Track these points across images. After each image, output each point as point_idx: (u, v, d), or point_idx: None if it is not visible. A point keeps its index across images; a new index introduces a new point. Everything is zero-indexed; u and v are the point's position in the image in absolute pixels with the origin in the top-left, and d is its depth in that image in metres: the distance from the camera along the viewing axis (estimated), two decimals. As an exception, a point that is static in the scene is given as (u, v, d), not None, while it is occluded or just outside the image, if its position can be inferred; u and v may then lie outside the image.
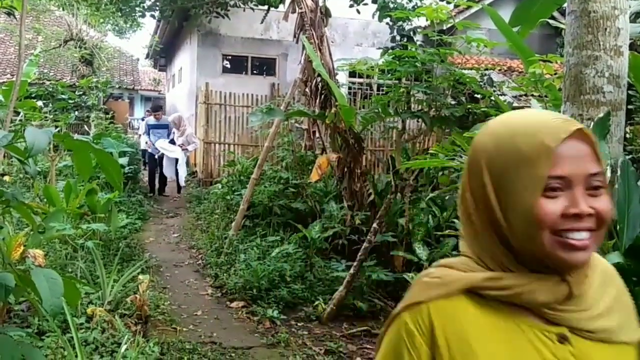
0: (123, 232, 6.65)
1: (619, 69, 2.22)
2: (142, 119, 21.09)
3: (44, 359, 1.97)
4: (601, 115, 2.20)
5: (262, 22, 11.69)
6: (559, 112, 2.47)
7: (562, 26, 3.27)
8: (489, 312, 0.86)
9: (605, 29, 2.20)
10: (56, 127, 9.53)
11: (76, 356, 2.99)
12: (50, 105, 11.30)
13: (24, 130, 1.81)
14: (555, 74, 3.83)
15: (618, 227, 2.06)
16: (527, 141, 0.84)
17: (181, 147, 10.37)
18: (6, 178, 7.64)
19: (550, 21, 3.41)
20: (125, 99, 23.44)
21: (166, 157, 10.34)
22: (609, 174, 2.12)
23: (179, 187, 10.91)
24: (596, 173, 0.83)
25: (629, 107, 2.46)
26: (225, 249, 6.19)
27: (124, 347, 3.28)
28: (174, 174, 10.54)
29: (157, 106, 11.23)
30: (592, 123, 2.20)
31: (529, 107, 3.39)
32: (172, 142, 10.45)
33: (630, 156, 3.32)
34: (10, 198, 1.88)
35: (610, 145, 2.20)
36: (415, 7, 10.57)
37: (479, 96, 6.52)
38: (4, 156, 6.05)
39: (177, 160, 10.35)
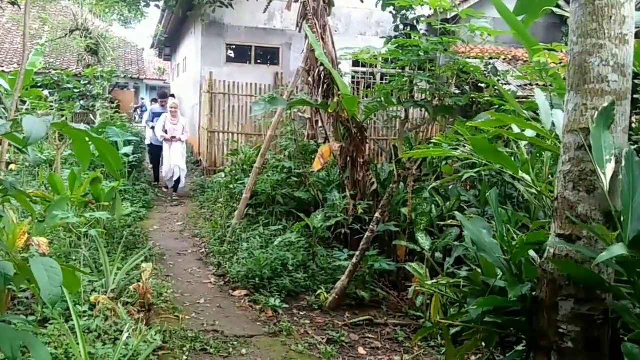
0: (127, 220, 6.68)
1: (624, 58, 2.18)
2: (141, 108, 20.93)
3: (44, 347, 1.98)
4: (605, 104, 2.16)
5: (265, 12, 11.61)
6: (563, 101, 2.43)
7: (567, 15, 3.22)
8: None
9: (611, 16, 2.16)
10: (62, 116, 9.55)
11: (78, 344, 3.01)
12: (56, 94, 11.34)
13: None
14: (560, 63, 3.78)
15: (622, 218, 2.03)
16: None
17: (173, 138, 9.77)
18: (12, 167, 7.68)
19: (555, 10, 3.35)
20: (130, 88, 23.46)
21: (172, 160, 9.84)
22: (613, 164, 2.09)
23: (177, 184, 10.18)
24: None
25: (634, 96, 2.42)
26: (228, 238, 6.21)
27: (126, 335, 3.31)
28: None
29: (163, 93, 11.14)
30: (597, 112, 2.16)
31: (533, 96, 3.34)
32: (153, 128, 10.06)
33: (635, 146, 3.28)
34: (9, 187, 1.88)
35: (615, 135, 2.16)
36: (420, -5, 10.45)
37: (483, 85, 6.48)
38: (10, 145, 6.06)
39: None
